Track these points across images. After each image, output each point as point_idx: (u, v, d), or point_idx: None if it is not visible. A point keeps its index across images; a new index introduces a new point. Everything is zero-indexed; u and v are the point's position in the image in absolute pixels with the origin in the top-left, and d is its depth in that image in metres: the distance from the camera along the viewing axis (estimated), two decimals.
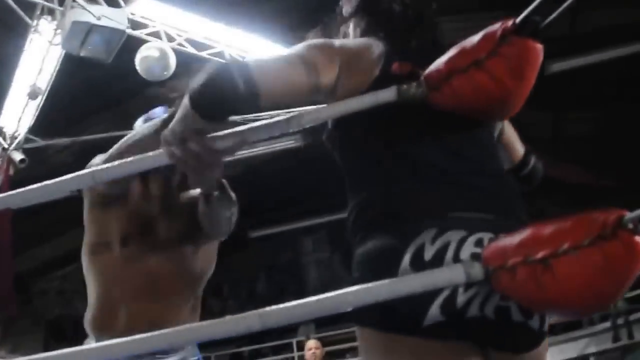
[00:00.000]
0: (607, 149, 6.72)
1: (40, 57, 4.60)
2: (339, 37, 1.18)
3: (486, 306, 0.89)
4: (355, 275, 0.99)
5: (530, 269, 0.79)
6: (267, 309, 0.84)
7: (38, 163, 5.43)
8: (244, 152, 4.73)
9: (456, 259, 0.90)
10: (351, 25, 1.17)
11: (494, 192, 1.00)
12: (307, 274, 9.54)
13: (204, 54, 4.90)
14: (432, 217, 0.94)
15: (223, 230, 1.55)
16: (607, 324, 5.86)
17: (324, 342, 5.05)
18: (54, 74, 4.76)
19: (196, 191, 1.61)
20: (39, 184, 1.01)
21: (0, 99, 5.08)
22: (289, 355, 7.51)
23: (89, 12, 4.05)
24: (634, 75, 5.92)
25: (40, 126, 5.29)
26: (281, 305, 0.84)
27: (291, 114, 0.97)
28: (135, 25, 4.60)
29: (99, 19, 4.06)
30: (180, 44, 4.84)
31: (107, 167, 1.04)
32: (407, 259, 0.91)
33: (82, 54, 4.22)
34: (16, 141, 5.26)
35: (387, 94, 0.95)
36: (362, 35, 1.14)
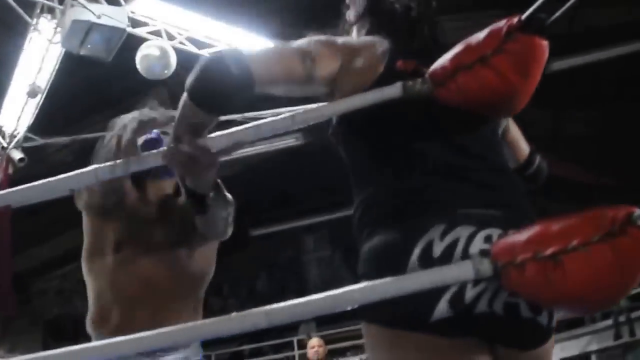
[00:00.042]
0: (606, 148, 6.72)
1: (40, 55, 4.60)
2: None
3: (495, 302, 0.89)
4: (361, 271, 0.98)
5: (539, 265, 0.79)
6: (274, 306, 0.83)
7: (37, 162, 5.42)
8: (244, 150, 4.72)
9: (465, 255, 0.89)
10: (355, 29, 1.18)
11: (501, 188, 1.00)
12: (308, 273, 9.55)
13: (204, 52, 4.89)
14: (440, 213, 0.94)
15: (219, 231, 1.53)
16: (609, 322, 5.87)
17: (325, 340, 5.05)
18: (54, 73, 4.75)
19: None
20: (40, 182, 1.00)
21: (0, 98, 5.08)
22: (289, 353, 7.51)
23: (89, 10, 4.04)
24: (633, 74, 5.92)
25: (40, 125, 5.29)
26: (288, 303, 0.83)
27: (296, 111, 0.97)
28: (135, 23, 4.59)
29: (99, 17, 4.05)
30: (180, 43, 4.83)
31: (109, 165, 1.04)
32: (415, 255, 0.91)
33: (82, 53, 4.22)
34: (15, 140, 5.26)
35: (393, 90, 0.95)
36: (366, 35, 1.15)
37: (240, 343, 7.98)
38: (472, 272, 0.82)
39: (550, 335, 0.97)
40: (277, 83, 1.00)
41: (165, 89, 5.35)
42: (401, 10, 1.12)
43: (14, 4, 4.20)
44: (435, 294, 0.88)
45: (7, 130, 5.25)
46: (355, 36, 1.17)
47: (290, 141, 6.30)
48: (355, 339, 7.03)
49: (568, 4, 3.91)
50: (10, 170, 5.25)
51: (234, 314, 0.84)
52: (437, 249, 0.91)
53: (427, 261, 0.90)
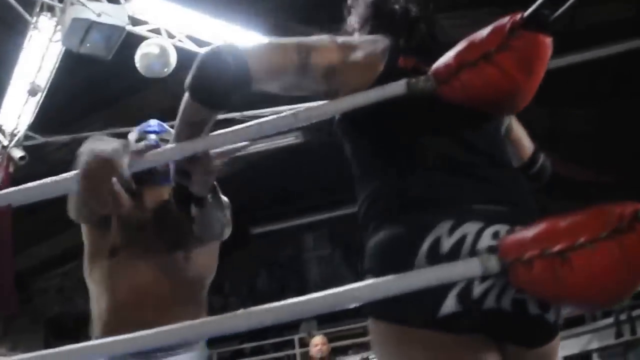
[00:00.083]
0: (605, 145, 6.72)
1: (40, 54, 4.59)
2: None
3: (503, 298, 0.89)
4: (367, 266, 0.97)
5: (547, 262, 0.79)
6: (279, 303, 0.83)
7: (37, 160, 5.42)
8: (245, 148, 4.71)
9: (473, 251, 0.89)
10: (357, 34, 1.19)
11: (507, 185, 1.00)
12: (308, 271, 9.55)
13: (204, 50, 4.88)
14: (448, 208, 0.93)
15: (215, 232, 1.53)
16: (610, 320, 5.85)
17: (327, 338, 5.06)
18: (54, 71, 4.75)
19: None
20: (40, 181, 1.00)
21: (0, 97, 5.08)
22: (290, 352, 7.51)
23: (89, 9, 4.04)
24: (631, 72, 5.92)
25: (40, 123, 5.29)
26: (293, 300, 0.83)
27: (299, 108, 0.97)
28: (134, 22, 4.59)
29: (99, 15, 4.05)
30: (180, 41, 4.82)
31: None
32: (423, 251, 0.91)
33: (81, 51, 4.22)
34: (16, 138, 5.26)
35: (396, 88, 0.95)
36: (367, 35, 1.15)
37: (241, 341, 7.98)
38: (480, 268, 0.82)
39: (557, 333, 0.97)
40: (273, 73, 0.99)
41: (164, 88, 5.35)
42: (400, 12, 1.12)
43: (13, 3, 4.20)
44: (442, 289, 0.87)
45: (8, 128, 5.25)
46: (356, 37, 1.18)
47: (290, 139, 6.30)
48: (357, 338, 7.04)
49: (570, 2, 3.90)
50: (11, 169, 5.25)
51: (240, 310, 0.84)
52: (445, 245, 0.90)
53: (435, 257, 0.90)
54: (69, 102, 5.60)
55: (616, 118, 6.57)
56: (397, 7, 1.13)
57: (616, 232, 0.77)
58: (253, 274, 9.67)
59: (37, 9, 4.35)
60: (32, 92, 4.84)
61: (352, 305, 0.87)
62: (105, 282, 1.61)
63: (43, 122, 5.26)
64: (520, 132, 1.24)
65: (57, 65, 4.71)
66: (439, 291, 0.87)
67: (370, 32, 1.14)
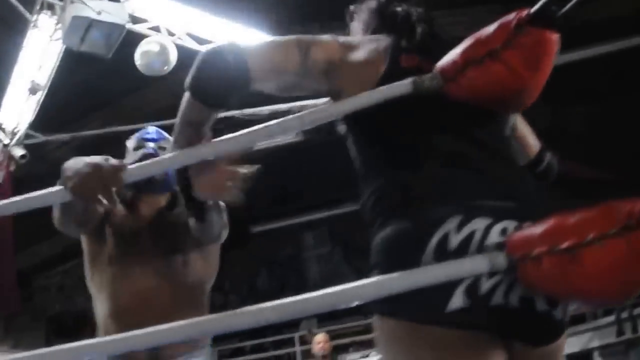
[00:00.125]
0: (606, 143, 6.71)
1: (40, 52, 4.59)
2: None
3: (510, 295, 0.88)
4: (374, 261, 0.96)
5: (556, 258, 0.79)
6: (285, 300, 0.83)
7: (38, 159, 5.43)
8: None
9: (481, 248, 0.88)
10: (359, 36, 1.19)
11: (514, 181, 1.00)
12: (308, 269, 9.55)
13: (204, 48, 4.88)
14: (456, 204, 0.93)
15: (214, 235, 1.54)
16: (611, 318, 5.83)
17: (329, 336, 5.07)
18: (54, 70, 4.75)
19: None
20: (26, 195, 1.01)
21: (0, 95, 5.08)
22: (291, 349, 7.52)
23: (89, 7, 4.03)
24: (632, 68, 5.91)
25: (40, 122, 5.29)
26: (299, 297, 0.83)
27: (305, 110, 0.98)
28: (134, 20, 4.58)
29: (99, 13, 4.05)
30: (180, 39, 4.82)
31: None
32: (431, 247, 0.90)
33: (82, 49, 4.22)
34: (16, 137, 5.26)
35: (402, 87, 0.95)
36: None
37: (241, 339, 7.98)
38: (487, 265, 0.82)
39: (564, 330, 0.96)
40: (273, 73, 1.00)
41: (165, 86, 5.35)
42: (402, 15, 1.13)
43: (14, 1, 4.20)
44: (450, 285, 0.87)
45: (8, 127, 5.25)
46: (357, 36, 1.18)
47: (289, 137, 6.29)
48: (356, 335, 7.04)
49: None
50: (12, 168, 5.26)
51: (246, 307, 0.84)
52: (454, 242, 0.89)
53: (443, 253, 0.89)
54: (69, 101, 5.60)
55: (617, 115, 6.56)
56: (399, 9, 1.13)
57: (625, 229, 0.77)
58: (253, 272, 9.67)
59: (37, 7, 4.35)
60: (33, 91, 4.84)
61: (359, 303, 0.87)
62: (105, 290, 1.62)
63: (43, 120, 5.26)
64: (525, 130, 1.24)
65: (57, 64, 4.70)
66: (447, 287, 0.87)
67: (372, 34, 1.15)
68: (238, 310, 0.85)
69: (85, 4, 4.04)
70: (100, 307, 1.63)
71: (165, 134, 1.81)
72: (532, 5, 0.94)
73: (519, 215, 0.91)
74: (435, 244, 0.90)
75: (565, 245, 0.78)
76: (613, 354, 5.92)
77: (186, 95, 0.96)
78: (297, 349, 7.29)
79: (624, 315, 5.73)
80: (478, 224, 0.90)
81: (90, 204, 1.00)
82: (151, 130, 1.79)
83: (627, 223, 0.77)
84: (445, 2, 4.79)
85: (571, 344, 6.02)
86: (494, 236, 0.89)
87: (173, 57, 4.50)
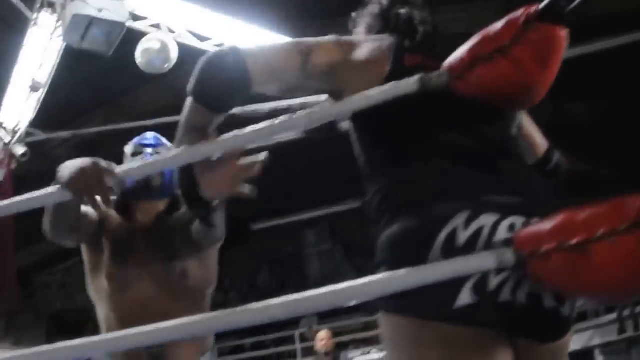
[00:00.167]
0: (608, 138, 6.70)
1: (41, 50, 4.59)
2: None
3: (518, 291, 0.88)
4: (380, 258, 0.96)
5: (565, 255, 0.78)
6: (292, 297, 0.83)
7: (38, 157, 5.43)
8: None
9: (489, 244, 0.88)
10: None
11: (521, 177, 1.00)
12: (309, 267, 9.55)
13: (204, 45, 4.88)
14: (464, 200, 0.92)
15: (217, 236, 1.53)
16: (613, 316, 5.82)
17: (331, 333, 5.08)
18: (55, 68, 4.75)
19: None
20: (23, 196, 1.02)
21: (1, 93, 5.08)
22: (291, 347, 7.53)
23: (90, 5, 4.03)
24: (634, 64, 5.90)
25: (41, 120, 5.29)
26: (307, 294, 0.83)
27: (312, 108, 0.97)
28: (135, 17, 4.58)
29: (99, 11, 4.05)
30: (180, 36, 4.81)
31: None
32: (438, 243, 0.90)
33: (82, 47, 4.22)
34: (17, 135, 5.26)
35: (409, 85, 0.94)
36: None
37: (242, 337, 8.00)
38: (495, 262, 0.82)
39: (571, 327, 0.96)
40: (273, 76, 1.01)
41: (165, 84, 5.35)
42: (405, 17, 1.13)
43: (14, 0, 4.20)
44: (458, 282, 0.86)
45: (9, 125, 5.26)
46: (359, 36, 1.18)
47: (290, 135, 6.29)
48: (356, 333, 7.05)
49: None
50: (13, 166, 5.26)
51: (253, 304, 0.84)
52: (462, 238, 0.89)
53: (451, 250, 0.88)
54: (70, 99, 5.61)
55: (620, 111, 6.55)
56: (402, 12, 1.13)
57: (635, 226, 0.76)
58: (253, 269, 9.67)
59: (38, 5, 4.35)
60: (34, 89, 4.85)
61: (367, 299, 0.87)
62: (104, 300, 1.62)
63: (44, 118, 5.27)
64: (532, 129, 1.23)
65: (58, 62, 4.71)
66: (455, 283, 0.86)
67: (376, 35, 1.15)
68: (244, 307, 0.84)
69: (86, 2, 4.04)
70: (101, 316, 1.63)
71: (164, 140, 1.79)
72: (535, 1, 0.93)
73: (527, 211, 0.91)
74: (443, 240, 0.89)
75: (574, 241, 0.78)
76: (615, 352, 5.90)
77: (189, 100, 0.98)
78: (298, 346, 7.30)
79: (626, 313, 5.72)
80: (486, 220, 0.90)
81: (84, 201, 1.02)
82: (149, 136, 1.78)
83: (637, 219, 0.77)
84: None
85: (572, 341, 5.95)
86: (502, 232, 0.89)
87: (174, 54, 4.50)
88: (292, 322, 7.41)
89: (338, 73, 1.03)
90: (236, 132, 0.98)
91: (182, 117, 0.99)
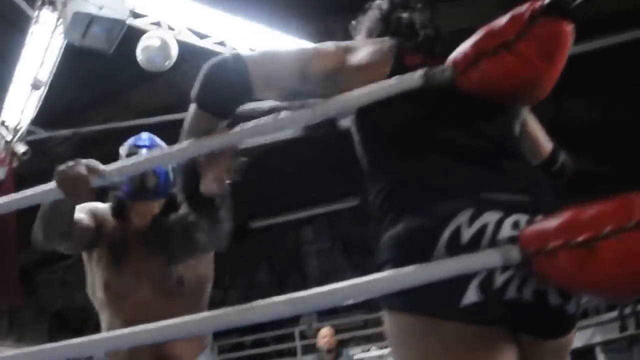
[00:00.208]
0: (609, 136, 6.69)
1: (42, 48, 4.59)
2: None
3: (524, 289, 0.88)
4: (385, 257, 0.96)
5: (572, 252, 0.78)
6: (298, 294, 0.84)
7: (39, 155, 5.43)
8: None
9: (493, 241, 0.88)
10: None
11: (524, 174, 0.99)
12: (308, 264, 9.56)
13: (205, 43, 4.88)
14: (467, 198, 0.92)
15: (222, 242, 1.49)
16: (614, 314, 5.81)
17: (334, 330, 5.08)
18: (56, 65, 4.75)
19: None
20: (22, 192, 1.06)
21: (2, 92, 5.08)
22: (291, 344, 7.54)
23: (90, 2, 4.03)
24: (635, 61, 5.89)
25: (42, 118, 5.29)
26: (313, 291, 0.83)
27: (315, 103, 0.98)
28: (135, 15, 4.58)
29: (100, 9, 4.05)
30: (180, 33, 4.81)
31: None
32: (443, 241, 0.90)
33: (83, 45, 4.22)
34: (19, 133, 5.26)
35: (413, 80, 0.94)
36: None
37: (242, 334, 8.00)
38: (500, 259, 0.82)
39: (575, 325, 0.96)
40: (274, 82, 1.02)
41: (166, 81, 5.34)
42: (406, 22, 1.13)
43: None
44: (464, 280, 0.87)
45: (11, 124, 5.26)
46: (360, 40, 1.19)
47: (289, 132, 6.28)
48: (356, 330, 7.06)
49: None
50: (15, 164, 5.26)
51: (258, 301, 0.84)
52: (466, 235, 0.89)
53: (455, 247, 0.88)
54: (71, 97, 5.60)
55: (620, 109, 6.54)
56: (403, 15, 1.14)
57: None
58: (253, 267, 9.68)
59: (39, 3, 4.35)
60: (35, 87, 4.85)
61: (372, 297, 0.87)
62: (105, 305, 1.62)
63: (45, 116, 5.27)
64: (536, 128, 1.22)
65: (58, 60, 4.71)
66: (461, 281, 0.86)
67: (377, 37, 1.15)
68: (251, 304, 0.84)
69: (86, 0, 4.04)
70: (103, 319, 1.64)
71: (158, 141, 1.78)
72: None
73: (530, 209, 0.91)
74: (447, 237, 0.89)
75: (581, 238, 0.78)
76: (616, 349, 5.87)
77: (193, 107, 1.00)
78: (298, 343, 7.31)
79: (627, 310, 5.71)
80: (489, 217, 0.89)
81: (72, 198, 1.14)
82: (144, 136, 1.77)
83: None
84: None
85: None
86: (506, 229, 0.88)
87: (174, 52, 4.50)
88: (292, 320, 7.42)
89: (338, 78, 1.03)
90: (240, 126, 0.99)
91: (185, 123, 1.01)
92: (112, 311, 1.60)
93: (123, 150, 1.74)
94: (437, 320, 0.89)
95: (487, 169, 0.97)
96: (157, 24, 4.69)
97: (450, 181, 0.96)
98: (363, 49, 1.07)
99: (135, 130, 1.90)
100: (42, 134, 5.46)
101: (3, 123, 5.25)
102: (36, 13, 4.37)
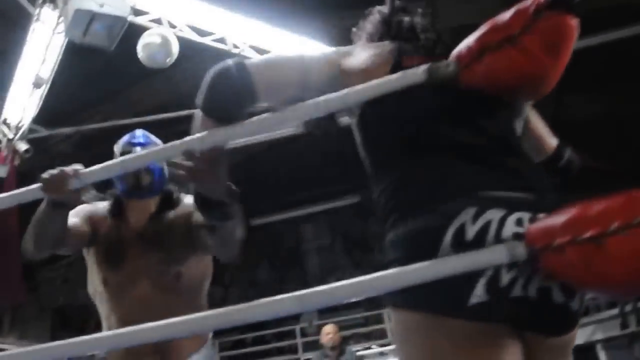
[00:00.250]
0: (610, 132, 6.68)
1: (43, 46, 4.59)
2: None
3: (529, 286, 0.88)
4: (391, 257, 0.97)
5: (580, 248, 0.78)
6: (305, 291, 0.83)
7: (41, 153, 5.44)
8: (244, 139, 4.71)
9: (497, 238, 0.88)
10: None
11: (526, 172, 0.99)
12: (308, 261, 9.57)
13: (206, 40, 4.88)
14: (470, 196, 0.92)
15: (233, 252, 1.43)
16: (615, 311, 5.81)
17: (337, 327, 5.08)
18: (57, 63, 4.75)
19: (189, 206, 1.58)
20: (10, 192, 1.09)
21: (4, 90, 5.08)
22: (292, 342, 7.56)
23: (91, 0, 4.03)
24: (636, 57, 5.88)
25: (43, 116, 5.30)
26: (320, 288, 0.83)
27: (318, 98, 0.98)
28: (136, 12, 4.58)
29: (101, 6, 4.05)
30: (181, 30, 4.81)
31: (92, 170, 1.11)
32: (447, 239, 0.90)
33: (84, 42, 4.22)
34: (21, 131, 5.27)
35: (417, 75, 0.93)
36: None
37: (243, 331, 8.02)
38: (506, 256, 0.82)
39: (578, 322, 0.97)
40: (278, 89, 1.04)
41: (167, 78, 5.34)
42: (407, 26, 1.13)
43: None
44: (471, 278, 0.87)
45: (13, 122, 5.26)
46: (360, 44, 1.20)
47: (290, 130, 6.29)
48: (357, 328, 7.07)
49: None
50: (16, 162, 5.27)
51: (264, 299, 0.84)
52: (470, 232, 0.89)
53: (460, 244, 0.89)
54: (72, 94, 5.60)
55: (621, 106, 6.53)
56: (405, 19, 1.14)
57: None
58: (253, 264, 9.70)
59: (40, 1, 4.35)
60: (37, 85, 4.85)
61: (378, 294, 0.87)
62: (104, 303, 1.63)
63: (46, 114, 5.28)
64: (539, 125, 1.22)
65: (60, 58, 4.71)
66: (468, 279, 0.87)
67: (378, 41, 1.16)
68: (257, 302, 0.84)
69: None
70: (103, 317, 1.64)
71: (153, 138, 1.77)
72: None
73: (533, 206, 0.91)
74: (452, 235, 0.89)
75: (588, 234, 0.78)
76: (617, 347, 5.86)
77: (200, 114, 1.02)
78: (299, 340, 7.32)
79: (628, 308, 5.71)
80: (493, 215, 0.90)
81: (55, 198, 1.25)
82: (138, 133, 1.75)
83: None
84: None
85: None
86: (510, 227, 0.89)
87: (175, 49, 4.50)
88: (293, 317, 7.44)
89: (340, 83, 1.04)
90: (249, 120, 1.00)
91: (193, 130, 1.03)
92: (111, 305, 1.60)
93: (117, 148, 1.73)
94: (443, 318, 0.90)
95: (489, 167, 0.97)
96: (158, 21, 4.69)
97: (453, 180, 0.96)
98: (363, 52, 1.07)
99: (136, 128, 1.89)
100: (43, 132, 5.47)
101: (5, 121, 5.26)
102: (37, 11, 4.37)
